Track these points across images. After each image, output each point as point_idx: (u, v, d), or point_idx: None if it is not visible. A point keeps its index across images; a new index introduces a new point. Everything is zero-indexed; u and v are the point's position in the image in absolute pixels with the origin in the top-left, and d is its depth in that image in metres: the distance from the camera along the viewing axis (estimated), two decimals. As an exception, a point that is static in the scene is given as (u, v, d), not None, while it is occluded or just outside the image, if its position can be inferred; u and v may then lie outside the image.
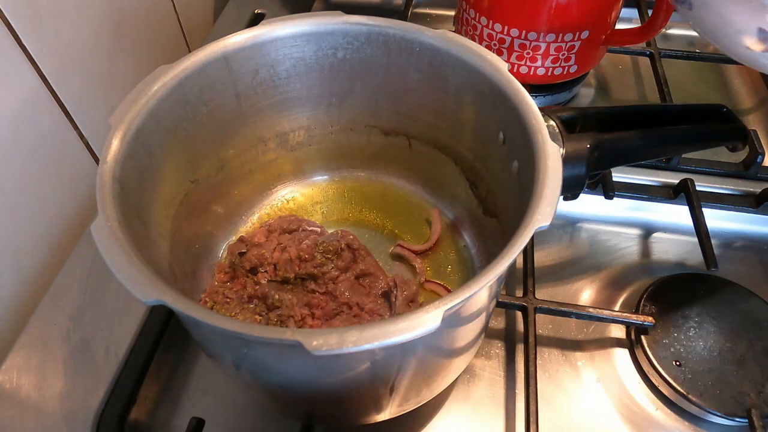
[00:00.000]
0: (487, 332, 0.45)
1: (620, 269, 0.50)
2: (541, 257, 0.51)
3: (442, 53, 0.40)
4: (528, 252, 0.47)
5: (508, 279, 0.48)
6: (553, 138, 0.34)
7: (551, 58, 0.56)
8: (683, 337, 0.43)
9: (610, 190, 0.51)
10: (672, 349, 0.43)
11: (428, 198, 0.50)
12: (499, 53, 0.57)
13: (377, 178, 0.51)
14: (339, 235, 0.43)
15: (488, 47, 0.56)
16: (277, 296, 0.40)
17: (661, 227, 0.54)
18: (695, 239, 0.48)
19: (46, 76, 0.47)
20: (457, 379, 0.41)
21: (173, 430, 0.41)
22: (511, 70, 0.37)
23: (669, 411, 0.42)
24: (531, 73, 0.58)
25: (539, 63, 0.57)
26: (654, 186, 0.54)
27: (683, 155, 0.55)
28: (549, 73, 0.58)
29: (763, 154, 0.52)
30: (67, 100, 0.50)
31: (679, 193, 0.53)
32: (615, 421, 0.41)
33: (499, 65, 0.37)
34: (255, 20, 0.73)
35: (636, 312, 0.45)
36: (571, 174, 0.38)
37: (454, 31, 0.45)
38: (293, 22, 0.41)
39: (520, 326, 0.44)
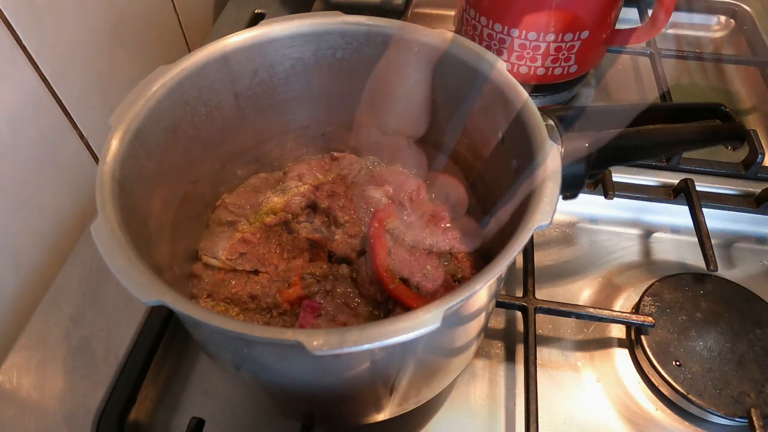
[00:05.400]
0: (487, 332, 0.45)
1: (620, 269, 0.50)
2: (541, 257, 0.51)
3: (441, 53, 0.40)
4: (528, 252, 0.47)
5: (508, 279, 0.48)
6: (553, 137, 0.34)
7: (551, 58, 0.56)
8: (683, 337, 0.43)
9: (610, 190, 0.51)
10: (672, 349, 0.43)
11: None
12: (499, 53, 0.56)
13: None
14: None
15: (488, 47, 0.56)
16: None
17: (661, 227, 0.54)
18: (695, 239, 0.48)
19: (46, 76, 0.47)
20: (457, 379, 0.41)
21: (173, 430, 0.41)
22: (511, 70, 0.37)
23: (669, 411, 0.42)
24: (531, 73, 0.58)
25: (539, 63, 0.57)
26: (654, 186, 0.54)
27: (683, 155, 0.55)
28: (549, 73, 0.58)
29: (763, 154, 0.52)
30: (67, 100, 0.50)
31: (679, 193, 0.53)
32: (615, 421, 0.41)
33: (499, 65, 0.37)
34: (255, 20, 0.73)
35: (636, 312, 0.45)
36: (571, 173, 0.38)
37: (454, 31, 0.45)
38: (292, 23, 0.41)
39: (520, 326, 0.44)
